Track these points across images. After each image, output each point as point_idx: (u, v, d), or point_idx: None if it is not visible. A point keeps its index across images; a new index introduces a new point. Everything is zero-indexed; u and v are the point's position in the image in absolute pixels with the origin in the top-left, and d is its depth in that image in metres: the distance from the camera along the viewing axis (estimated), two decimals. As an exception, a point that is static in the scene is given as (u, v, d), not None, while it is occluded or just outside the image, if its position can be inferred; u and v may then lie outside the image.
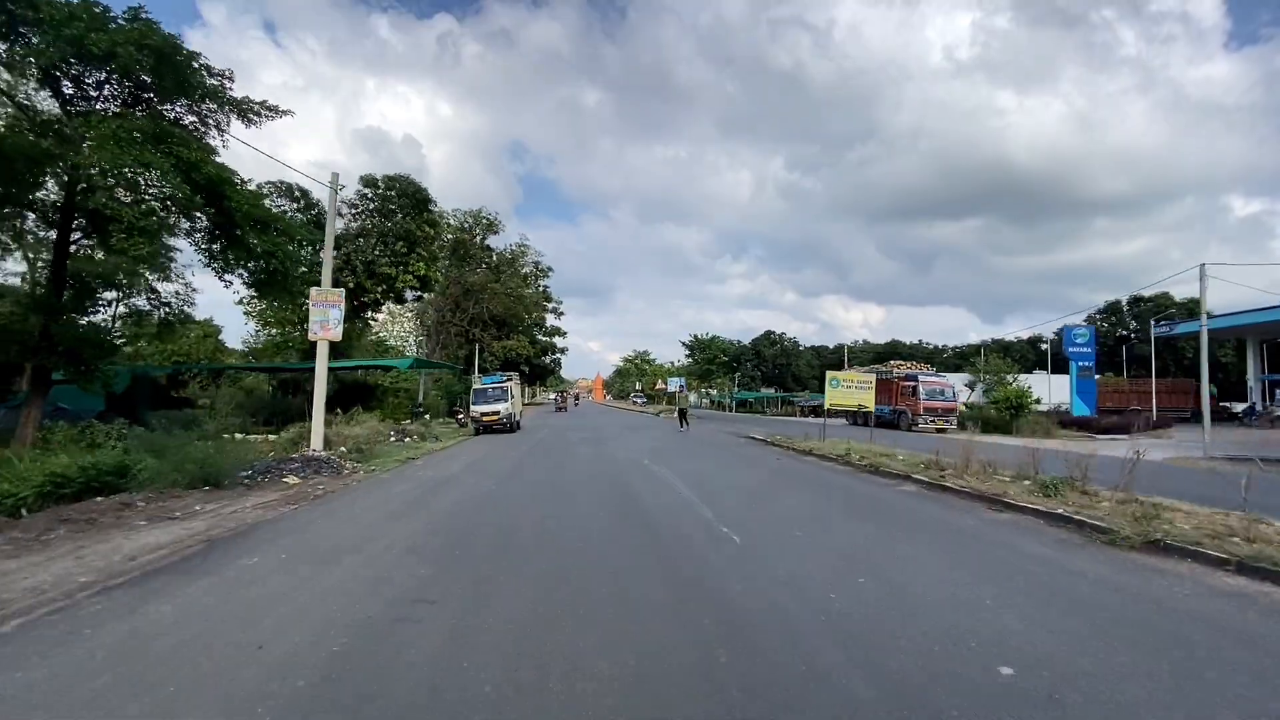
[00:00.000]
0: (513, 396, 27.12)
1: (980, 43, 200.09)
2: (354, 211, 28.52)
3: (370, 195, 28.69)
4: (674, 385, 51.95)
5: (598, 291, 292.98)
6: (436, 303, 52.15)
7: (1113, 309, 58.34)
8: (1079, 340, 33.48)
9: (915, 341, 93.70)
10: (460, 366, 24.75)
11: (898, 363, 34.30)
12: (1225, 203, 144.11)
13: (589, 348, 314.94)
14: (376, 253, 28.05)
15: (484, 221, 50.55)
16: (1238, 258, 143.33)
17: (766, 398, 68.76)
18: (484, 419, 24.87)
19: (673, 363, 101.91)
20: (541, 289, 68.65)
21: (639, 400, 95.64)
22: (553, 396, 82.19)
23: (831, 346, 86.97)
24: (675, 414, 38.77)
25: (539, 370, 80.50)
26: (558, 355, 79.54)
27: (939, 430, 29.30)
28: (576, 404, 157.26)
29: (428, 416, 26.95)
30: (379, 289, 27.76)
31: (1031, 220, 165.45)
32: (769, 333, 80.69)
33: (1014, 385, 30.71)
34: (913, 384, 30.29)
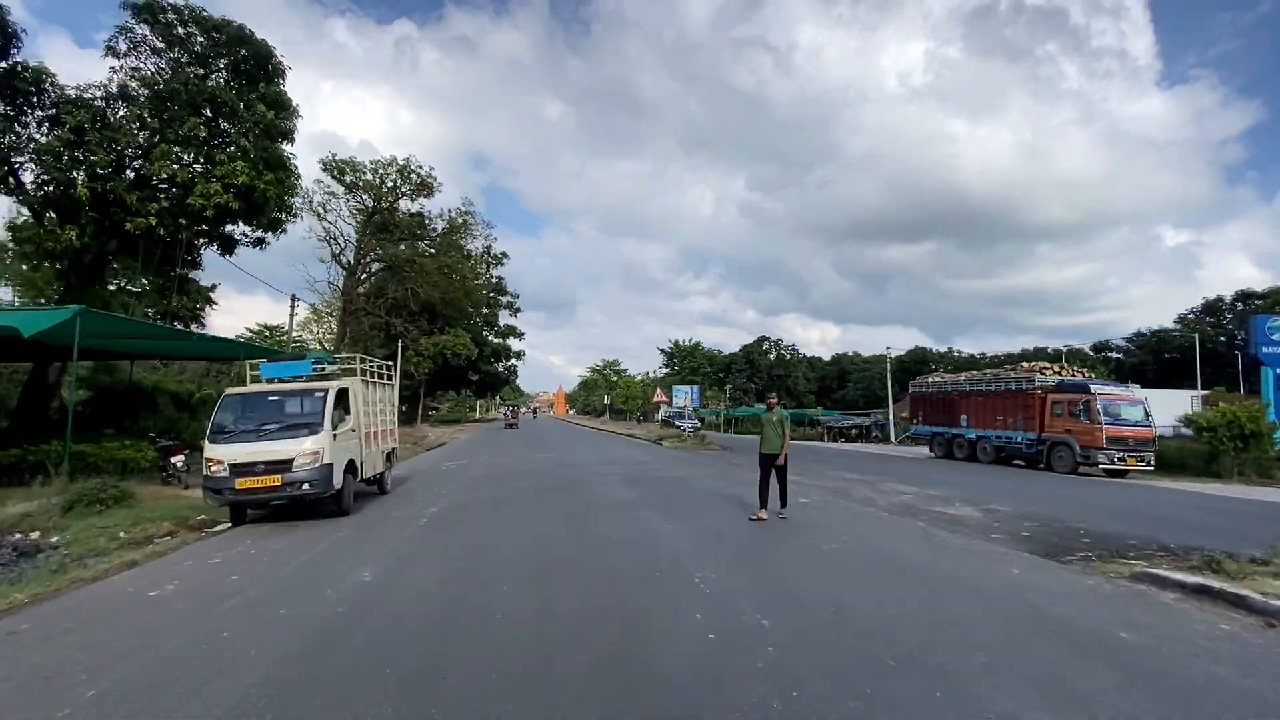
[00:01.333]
0: (352, 418, 10.21)
1: (933, 71, 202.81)
2: (122, 62, 15.34)
3: (152, 38, 15.54)
4: (680, 398, 39.18)
5: (559, 305, 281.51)
6: (347, 286, 38.66)
7: (1212, 308, 49.12)
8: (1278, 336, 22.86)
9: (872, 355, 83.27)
10: (328, 358, 12.08)
11: (1038, 365, 22.78)
12: (1157, 232, 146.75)
13: (550, 361, 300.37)
14: (156, 138, 14.89)
15: (412, 178, 37.31)
16: (1167, 286, 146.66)
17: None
18: (238, 488, 8.56)
19: (646, 374, 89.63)
20: (494, 279, 55.67)
21: (661, 419, 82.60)
22: (503, 411, 68.81)
23: (827, 358, 76.19)
24: (703, 443, 27.00)
25: (489, 379, 67.07)
26: (513, 362, 66.28)
27: (1120, 473, 17.90)
28: (534, 417, 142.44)
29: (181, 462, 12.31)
30: (154, 207, 14.52)
31: (981, 244, 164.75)
32: (763, 338, 69.66)
33: (1241, 406, 19.57)
34: (1082, 398, 18.77)
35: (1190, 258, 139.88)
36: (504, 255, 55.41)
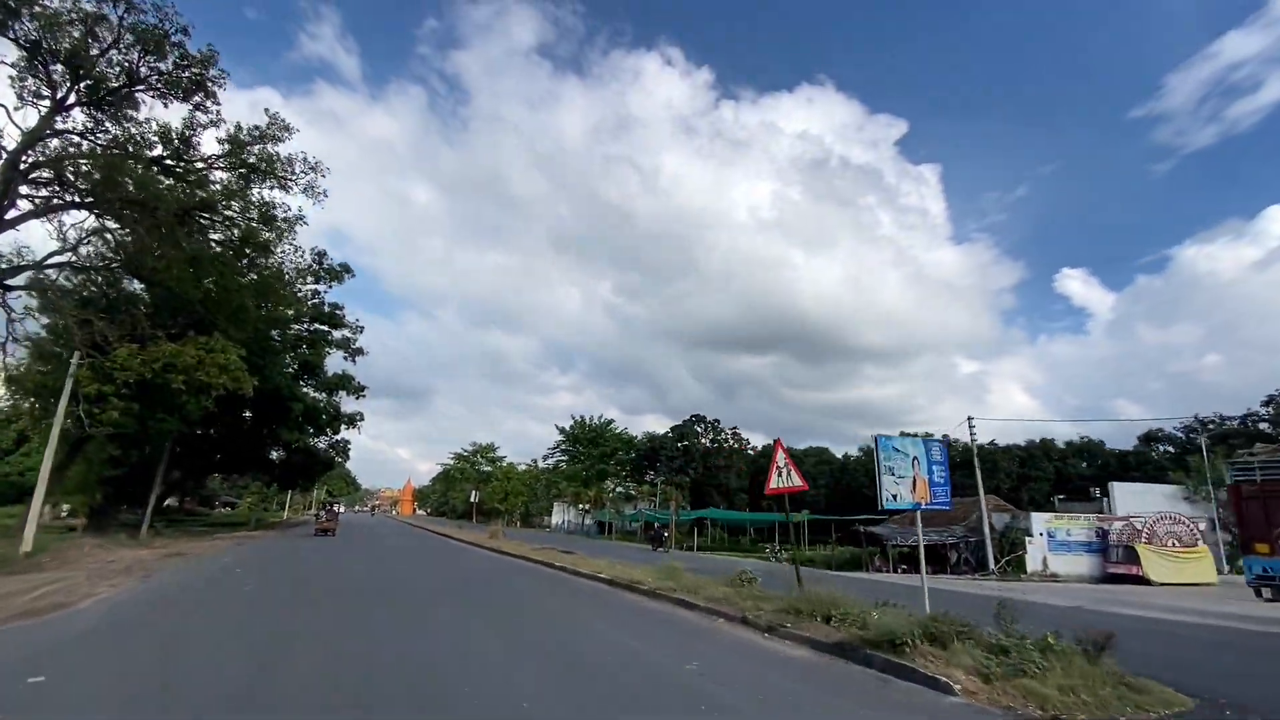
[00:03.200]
0: None
1: (778, 207, 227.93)
2: None
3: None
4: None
5: (412, 393, 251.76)
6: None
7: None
8: None
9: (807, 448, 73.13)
10: None
11: None
12: (954, 361, 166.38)
13: (396, 454, 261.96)
14: None
15: (150, 37, 18.35)
16: (966, 407, 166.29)
17: (744, 520, 40.66)
18: None
19: (533, 462, 69.45)
20: (318, 298, 35.42)
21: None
22: (316, 512, 45.36)
23: (758, 448, 62.58)
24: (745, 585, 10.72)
25: (301, 457, 43.69)
26: (343, 436, 43.81)
27: None
28: (371, 514, 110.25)
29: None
30: None
31: (817, 360, 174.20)
32: (697, 417, 54.29)
33: None
34: None
35: (980, 384, 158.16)
36: (343, 268, 35.97)
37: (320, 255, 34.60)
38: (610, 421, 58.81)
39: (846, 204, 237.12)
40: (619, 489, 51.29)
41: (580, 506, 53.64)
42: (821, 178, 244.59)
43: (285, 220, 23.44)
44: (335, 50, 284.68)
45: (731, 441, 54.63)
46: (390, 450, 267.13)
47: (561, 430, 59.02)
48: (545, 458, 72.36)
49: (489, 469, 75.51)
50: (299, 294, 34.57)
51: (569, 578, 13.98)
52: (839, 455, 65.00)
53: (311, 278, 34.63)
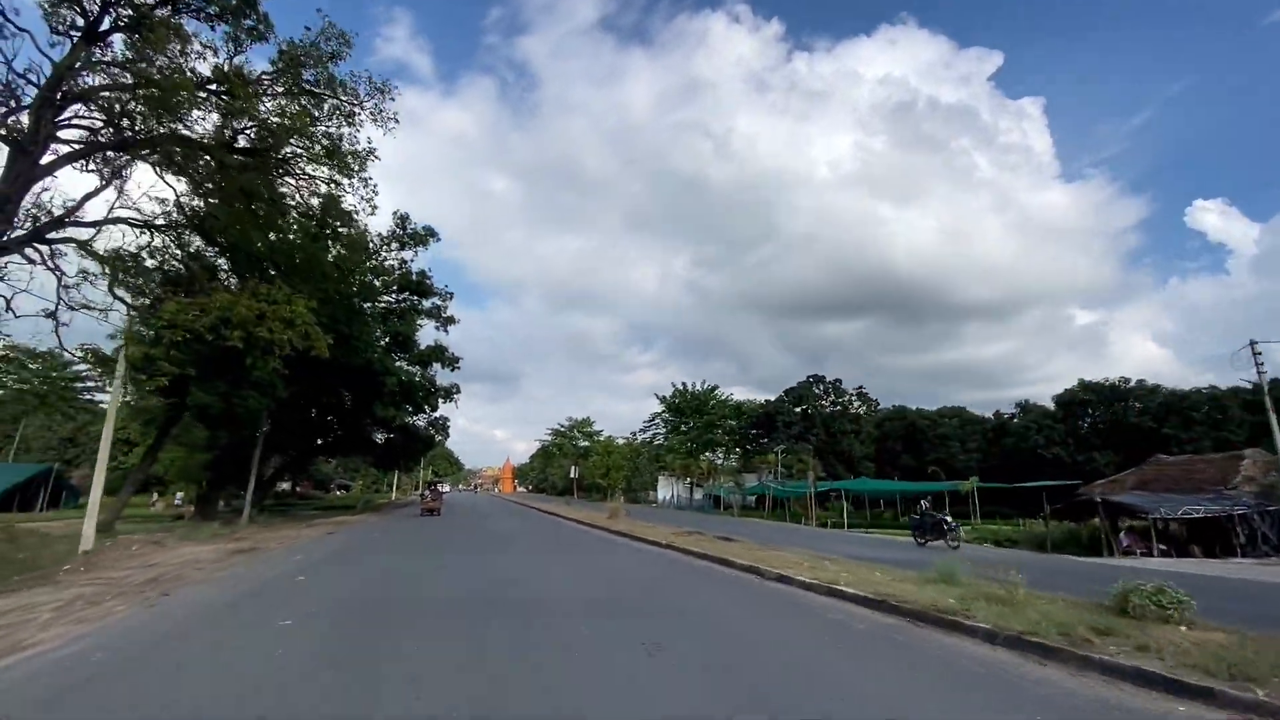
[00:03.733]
0: None
1: (860, 159, 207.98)
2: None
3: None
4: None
5: (504, 378, 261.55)
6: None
7: None
8: None
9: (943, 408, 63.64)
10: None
11: None
12: (1069, 313, 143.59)
13: (493, 435, 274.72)
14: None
15: None
16: (1080, 363, 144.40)
17: (888, 491, 34.52)
18: None
19: (632, 435, 65.84)
20: (403, 266, 32.80)
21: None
22: (422, 492, 44.01)
23: (891, 405, 55.02)
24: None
25: (398, 435, 42.08)
26: (439, 416, 41.60)
27: None
28: (475, 491, 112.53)
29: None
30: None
31: (912, 321, 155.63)
32: (816, 377, 47.85)
33: None
34: None
35: (1098, 336, 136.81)
36: (429, 231, 33.05)
37: (403, 219, 31.72)
38: (714, 388, 53.78)
39: (938, 148, 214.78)
40: (729, 460, 46.29)
41: (687, 480, 49.22)
42: (908, 123, 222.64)
43: (354, 155, 19.84)
44: (408, 50, 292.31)
45: (857, 405, 47.77)
46: (488, 432, 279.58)
47: (662, 399, 54.67)
48: (643, 429, 68.63)
49: (586, 444, 72.92)
50: (385, 262, 31.98)
51: (798, 593, 8.69)
52: (983, 415, 56.11)
53: (396, 244, 31.95)
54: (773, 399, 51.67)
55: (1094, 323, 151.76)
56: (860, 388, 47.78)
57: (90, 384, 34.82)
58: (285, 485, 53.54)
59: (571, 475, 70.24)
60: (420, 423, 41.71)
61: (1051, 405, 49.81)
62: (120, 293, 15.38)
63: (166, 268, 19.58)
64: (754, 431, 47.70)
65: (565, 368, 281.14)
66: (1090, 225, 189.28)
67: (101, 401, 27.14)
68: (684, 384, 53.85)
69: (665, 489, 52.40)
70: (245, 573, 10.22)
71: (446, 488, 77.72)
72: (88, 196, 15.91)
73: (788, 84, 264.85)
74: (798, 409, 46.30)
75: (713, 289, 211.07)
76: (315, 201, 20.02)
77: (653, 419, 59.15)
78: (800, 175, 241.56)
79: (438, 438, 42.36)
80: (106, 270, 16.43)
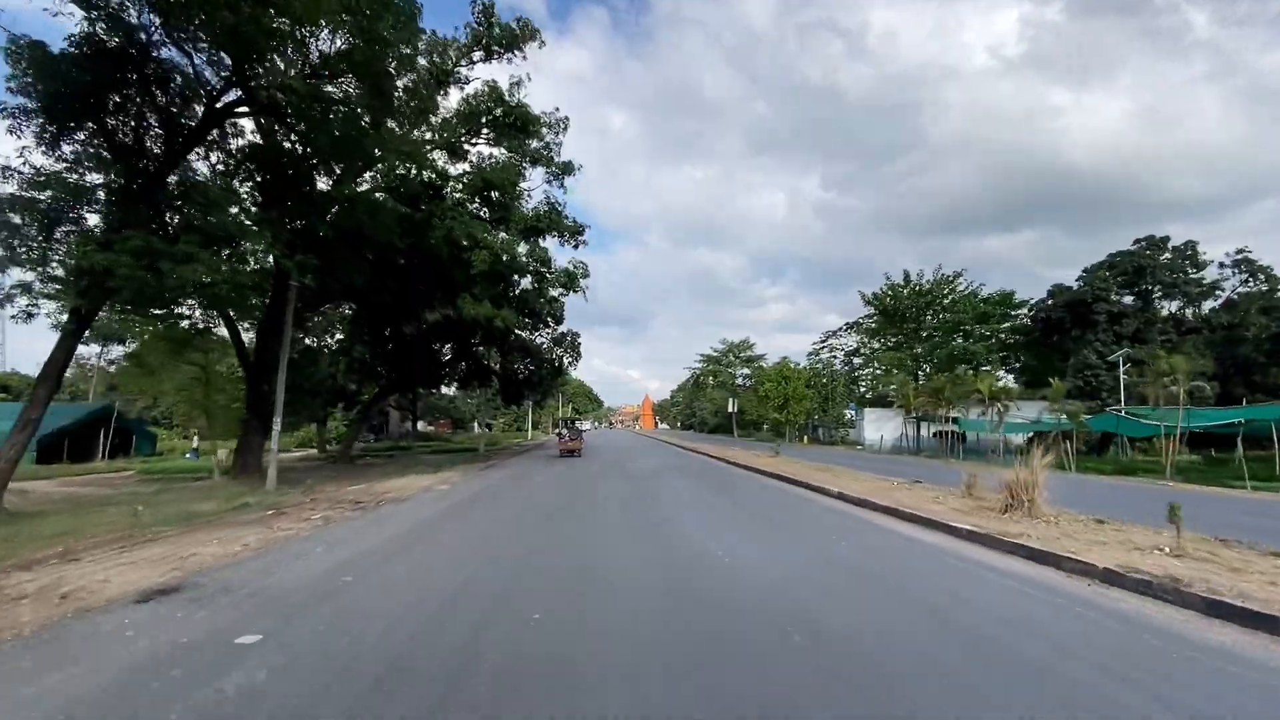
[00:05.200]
0: None
1: (1029, 38, 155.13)
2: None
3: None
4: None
5: (634, 320, 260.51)
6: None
7: None
8: None
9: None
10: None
11: None
12: None
13: (629, 375, 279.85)
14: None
15: None
16: None
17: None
18: None
19: (814, 353, 51.12)
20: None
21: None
22: (559, 430, 33.93)
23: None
24: None
25: (527, 368, 32.10)
26: (566, 331, 30.44)
27: None
28: (611, 427, 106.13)
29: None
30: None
31: (1090, 229, 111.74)
32: (1152, 241, 29.38)
33: None
34: None
35: None
36: (572, 165, 20.31)
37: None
38: (957, 274, 36.89)
39: (1135, 9, 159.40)
40: (1000, 380, 30.24)
41: (913, 414, 34.12)
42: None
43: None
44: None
45: (1241, 280, 28.19)
46: (623, 373, 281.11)
47: (871, 299, 38.69)
48: (821, 344, 53.47)
49: (746, 371, 59.74)
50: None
51: None
52: None
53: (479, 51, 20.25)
54: (1068, 285, 32.91)
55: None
56: (1243, 251, 28.26)
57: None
58: (414, 425, 47.22)
59: (730, 409, 58.01)
60: (541, 341, 31.02)
61: None
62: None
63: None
64: (1046, 335, 30.60)
65: (692, 306, 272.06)
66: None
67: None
68: (905, 274, 37.38)
69: (874, 427, 37.76)
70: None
71: (587, 425, 69.67)
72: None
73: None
74: (1135, 289, 28.27)
75: (847, 210, 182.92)
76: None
77: (847, 329, 43.99)
78: (951, 67, 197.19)
79: (566, 359, 31.43)
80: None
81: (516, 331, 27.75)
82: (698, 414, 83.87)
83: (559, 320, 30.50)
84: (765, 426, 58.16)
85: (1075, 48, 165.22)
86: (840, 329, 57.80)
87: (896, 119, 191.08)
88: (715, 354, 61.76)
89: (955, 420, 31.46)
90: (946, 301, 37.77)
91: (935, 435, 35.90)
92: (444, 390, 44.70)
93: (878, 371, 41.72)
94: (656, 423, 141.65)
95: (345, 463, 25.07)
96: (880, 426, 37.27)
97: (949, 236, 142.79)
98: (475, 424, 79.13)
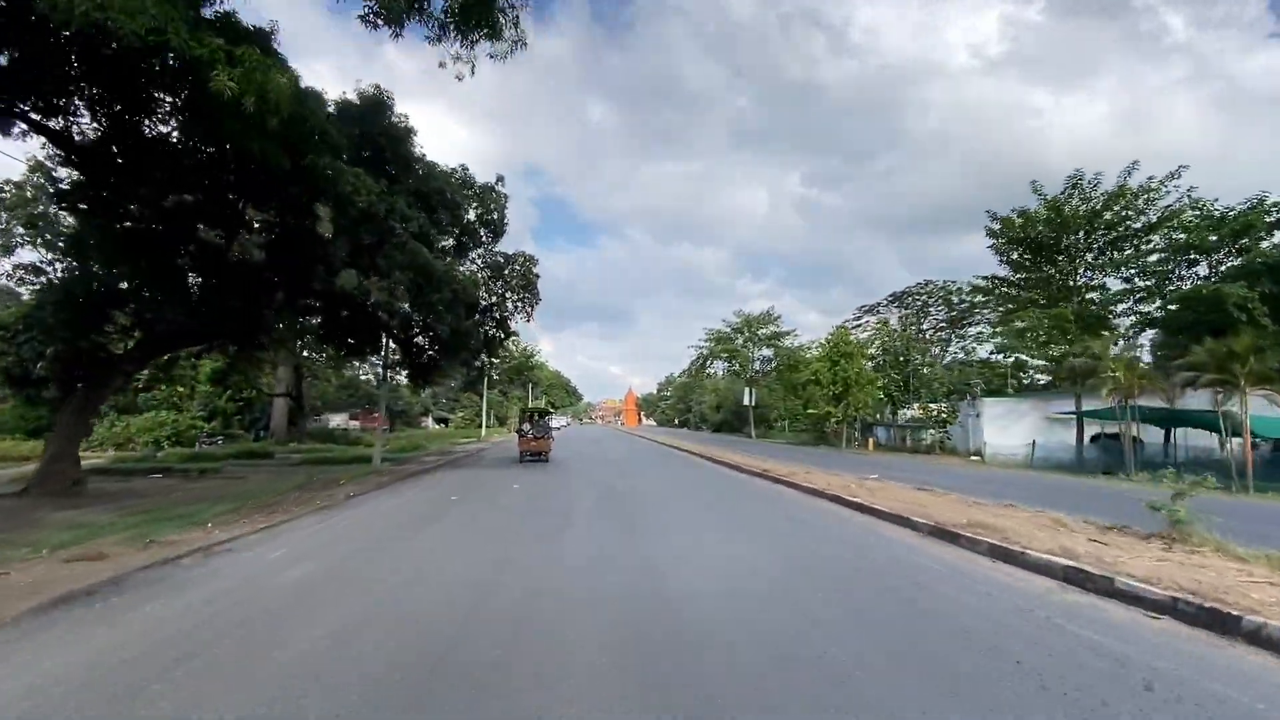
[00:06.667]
0: None
1: (1010, 38, 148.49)
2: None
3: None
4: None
5: (617, 315, 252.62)
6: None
7: None
8: None
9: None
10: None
11: None
12: None
13: (610, 371, 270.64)
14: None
15: None
16: None
17: None
18: None
19: (841, 328, 38.17)
20: None
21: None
22: (520, 428, 20.06)
23: None
24: None
25: (456, 314, 18.28)
26: (504, 269, 17.02)
27: None
28: (584, 423, 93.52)
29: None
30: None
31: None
32: None
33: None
34: None
35: None
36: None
37: None
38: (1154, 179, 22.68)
39: (1115, 12, 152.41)
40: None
41: (1127, 403, 21.29)
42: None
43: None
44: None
45: None
46: (604, 369, 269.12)
47: (996, 228, 24.86)
48: (855, 325, 40.67)
49: (768, 352, 46.63)
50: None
51: None
52: None
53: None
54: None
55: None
56: None
57: None
58: (298, 419, 32.82)
59: (747, 402, 45.01)
60: (471, 269, 17.54)
61: None
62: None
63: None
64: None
65: (675, 302, 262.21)
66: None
67: None
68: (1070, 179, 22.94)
69: (998, 426, 24.41)
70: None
71: (560, 421, 56.13)
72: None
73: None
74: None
75: (829, 207, 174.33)
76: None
77: (925, 292, 30.82)
78: (933, 65, 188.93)
79: (514, 304, 17.98)
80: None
81: (418, 244, 14.24)
82: (694, 409, 70.59)
83: (498, 233, 17.08)
84: (785, 424, 45.41)
85: (1057, 48, 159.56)
86: (884, 300, 44.93)
87: (877, 116, 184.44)
88: (726, 331, 48.42)
89: (1223, 416, 18.52)
90: (1137, 215, 23.76)
91: (1095, 440, 23.19)
92: (313, 355, 30.42)
93: (1002, 343, 28.73)
94: (641, 419, 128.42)
95: (45, 495, 11.54)
96: (1007, 427, 24.40)
97: (931, 234, 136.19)
98: (428, 419, 64.37)
